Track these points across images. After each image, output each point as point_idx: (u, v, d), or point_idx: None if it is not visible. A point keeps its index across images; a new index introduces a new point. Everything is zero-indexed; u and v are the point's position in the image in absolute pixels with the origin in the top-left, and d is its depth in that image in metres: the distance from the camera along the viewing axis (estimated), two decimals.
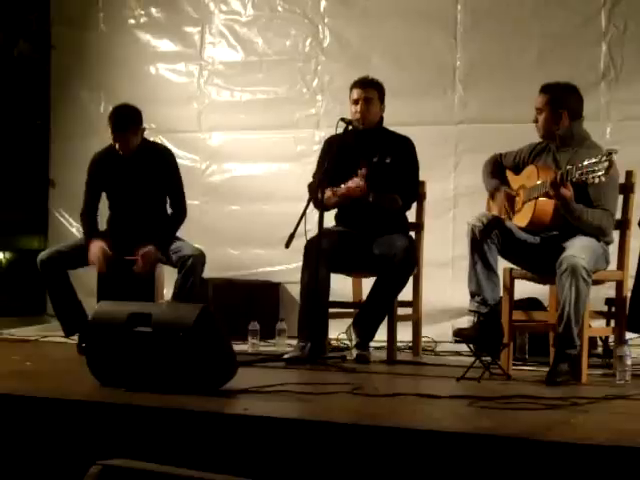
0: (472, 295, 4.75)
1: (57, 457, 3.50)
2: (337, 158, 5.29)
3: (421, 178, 5.54)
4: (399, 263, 5.20)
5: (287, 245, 4.97)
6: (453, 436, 3.09)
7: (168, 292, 5.65)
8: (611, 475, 2.81)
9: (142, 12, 7.61)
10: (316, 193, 5.16)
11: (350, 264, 5.43)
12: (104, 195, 5.78)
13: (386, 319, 5.32)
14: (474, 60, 6.66)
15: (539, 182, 4.70)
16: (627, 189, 4.94)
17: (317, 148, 5.83)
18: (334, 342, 5.82)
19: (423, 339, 5.76)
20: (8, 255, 8.17)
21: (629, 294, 4.93)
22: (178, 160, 5.90)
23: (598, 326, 5.19)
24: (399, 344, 5.54)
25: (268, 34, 7.24)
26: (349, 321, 5.44)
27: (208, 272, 5.61)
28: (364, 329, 5.27)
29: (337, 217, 5.56)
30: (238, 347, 4.67)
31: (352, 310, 5.53)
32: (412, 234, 5.56)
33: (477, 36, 6.65)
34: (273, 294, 6.86)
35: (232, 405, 3.73)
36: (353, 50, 6.98)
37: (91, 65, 7.70)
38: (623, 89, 6.30)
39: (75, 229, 7.34)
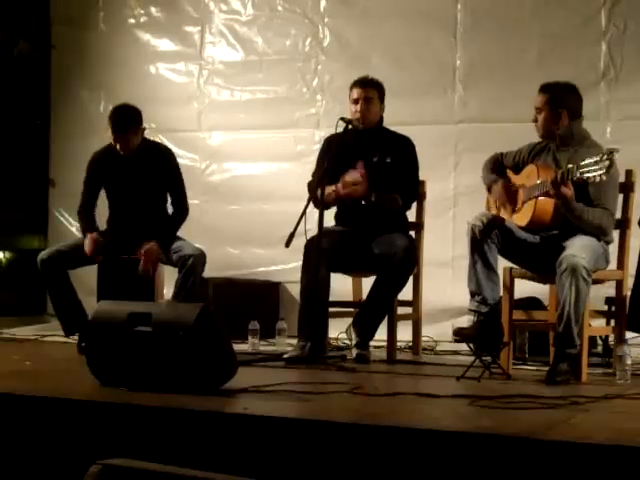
0: (472, 294, 4.75)
1: (57, 457, 3.50)
2: (337, 157, 5.28)
3: (421, 177, 5.54)
4: (399, 262, 5.20)
5: (287, 244, 4.97)
6: (453, 435, 3.09)
7: (168, 292, 5.65)
8: (611, 474, 2.81)
9: (142, 12, 7.61)
10: (316, 192, 5.16)
11: (350, 263, 5.43)
12: (104, 195, 5.78)
13: (386, 318, 5.32)
14: (474, 60, 6.67)
15: (539, 181, 4.70)
16: (627, 188, 4.94)
17: (317, 148, 5.83)
18: (334, 342, 5.83)
19: (423, 338, 5.76)
20: (8, 255, 8.17)
21: (629, 293, 4.93)
22: (178, 159, 5.90)
23: (598, 325, 5.19)
24: (399, 343, 5.54)
25: (268, 34, 7.24)
26: (349, 320, 5.44)
27: (208, 271, 5.61)
28: (364, 328, 5.27)
29: (337, 217, 5.56)
30: (238, 346, 4.67)
31: (352, 310, 5.53)
32: (412, 233, 5.56)
33: (477, 36, 6.65)
34: (273, 293, 6.86)
35: (232, 404, 3.73)
36: (353, 50, 6.98)
37: (91, 65, 7.70)
38: (623, 88, 6.30)
39: (75, 229, 7.34)
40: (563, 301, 4.45)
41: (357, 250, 5.37)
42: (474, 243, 4.71)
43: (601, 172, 4.34)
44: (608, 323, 5.13)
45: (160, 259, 5.50)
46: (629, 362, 4.47)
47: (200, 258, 5.41)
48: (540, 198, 4.68)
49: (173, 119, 7.37)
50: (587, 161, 4.42)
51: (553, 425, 3.31)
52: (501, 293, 4.81)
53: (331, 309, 5.38)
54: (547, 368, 4.59)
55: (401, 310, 5.47)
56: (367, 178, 5.30)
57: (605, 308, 5.21)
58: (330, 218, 5.44)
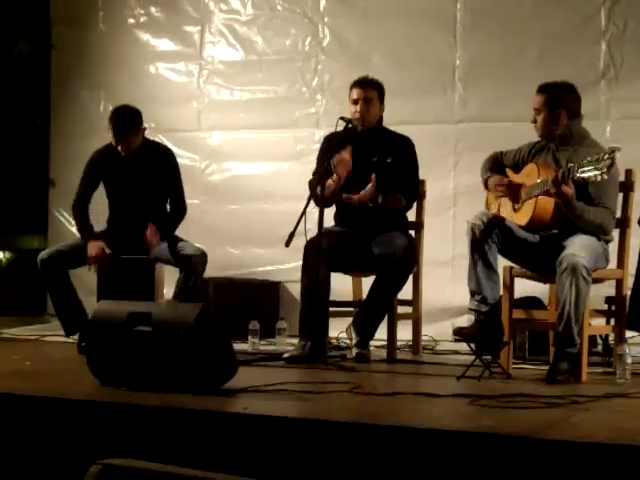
0: (472, 294, 4.75)
1: (57, 456, 3.50)
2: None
3: (421, 177, 5.54)
4: (398, 262, 5.20)
5: (287, 244, 4.97)
6: (453, 435, 3.09)
7: (169, 291, 5.65)
8: (611, 473, 2.81)
9: (142, 11, 7.61)
10: (317, 190, 5.16)
11: (350, 263, 5.43)
12: (104, 195, 5.78)
13: (386, 318, 5.32)
14: (474, 59, 6.67)
15: (539, 180, 4.70)
16: (627, 187, 4.94)
17: (317, 147, 5.83)
18: (334, 341, 5.83)
19: (423, 338, 5.76)
20: (8, 255, 8.17)
21: (629, 292, 4.93)
22: (178, 159, 5.91)
23: (598, 324, 5.19)
24: (399, 343, 5.54)
25: (268, 33, 7.24)
26: (349, 320, 5.45)
27: (208, 271, 5.61)
28: (364, 328, 5.27)
29: (336, 217, 5.55)
30: (238, 346, 4.67)
31: (352, 309, 5.54)
32: (412, 233, 5.56)
33: (477, 35, 6.66)
34: (273, 293, 6.86)
35: (232, 404, 3.73)
36: (353, 49, 6.98)
37: (91, 65, 7.71)
38: (623, 87, 6.30)
39: (75, 228, 7.33)
40: (563, 300, 4.45)
41: (357, 250, 5.37)
42: (474, 242, 4.71)
43: (602, 171, 4.34)
44: (608, 322, 5.13)
45: (161, 259, 5.50)
46: (629, 361, 4.47)
47: (201, 258, 5.41)
48: (540, 197, 4.68)
49: (173, 119, 7.37)
50: (588, 160, 4.42)
51: (553, 424, 3.31)
52: (501, 292, 4.81)
53: (331, 309, 5.38)
54: (547, 367, 4.59)
55: (401, 309, 5.47)
56: (375, 181, 5.26)
57: (605, 307, 5.21)
58: (330, 218, 5.44)
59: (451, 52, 6.71)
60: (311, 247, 5.13)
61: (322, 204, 5.11)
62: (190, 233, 5.76)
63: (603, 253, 4.72)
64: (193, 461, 3.23)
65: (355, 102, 5.41)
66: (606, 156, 4.34)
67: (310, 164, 5.72)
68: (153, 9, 7.58)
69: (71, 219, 7.39)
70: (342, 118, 5.32)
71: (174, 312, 4.14)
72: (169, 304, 5.22)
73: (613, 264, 4.87)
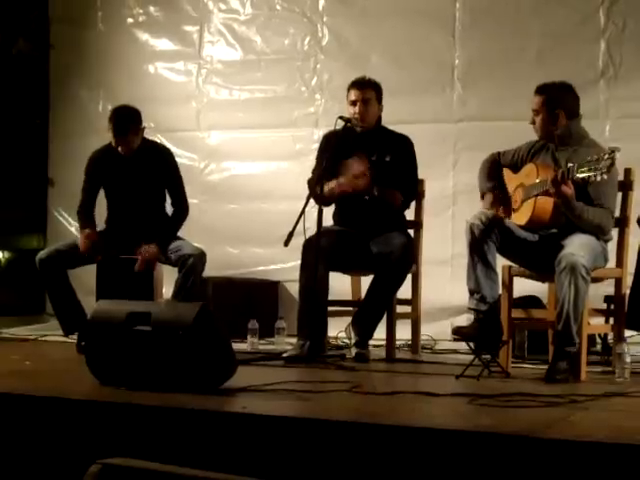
0: (471, 293, 4.75)
1: (57, 456, 3.50)
2: (335, 157, 5.29)
3: (420, 176, 5.54)
4: (396, 261, 5.20)
5: (286, 243, 4.97)
6: (452, 434, 3.09)
7: (167, 291, 5.65)
8: (610, 472, 2.81)
9: (141, 11, 7.61)
10: (316, 189, 5.16)
11: (348, 263, 5.43)
12: (103, 194, 5.78)
13: (385, 317, 5.32)
14: (473, 58, 6.66)
15: (538, 180, 4.70)
16: (626, 187, 4.94)
17: (316, 147, 5.82)
18: (333, 341, 5.83)
19: (422, 337, 5.76)
20: (7, 254, 8.17)
21: (628, 291, 4.94)
22: (177, 159, 5.91)
23: (597, 324, 5.18)
24: (398, 342, 5.53)
25: (267, 33, 7.24)
26: (348, 319, 5.44)
27: (207, 271, 5.61)
28: (363, 327, 5.27)
29: (335, 216, 5.55)
30: (237, 346, 4.67)
31: (351, 309, 5.54)
32: (411, 232, 5.56)
33: (476, 34, 6.65)
34: (272, 292, 6.86)
35: (231, 403, 3.73)
36: (352, 49, 6.97)
37: (90, 64, 7.70)
38: (622, 87, 6.30)
39: (74, 228, 7.33)
40: (562, 299, 4.45)
41: (355, 249, 5.37)
42: (473, 242, 4.71)
43: (602, 171, 4.34)
44: (607, 321, 5.13)
45: (158, 259, 5.50)
46: (628, 360, 4.47)
47: (200, 258, 5.41)
48: (539, 197, 4.68)
49: (172, 118, 7.37)
50: (588, 160, 4.42)
51: (552, 423, 3.32)
52: (500, 291, 4.81)
53: (330, 308, 5.38)
54: (546, 366, 4.59)
55: (400, 309, 5.47)
56: (370, 172, 5.28)
57: (604, 306, 5.21)
58: (329, 218, 5.44)
59: (450, 51, 6.71)
60: (310, 245, 5.13)
61: (320, 204, 5.11)
62: (189, 233, 5.76)
63: (602, 252, 4.72)
64: (193, 460, 3.23)
65: (353, 103, 5.41)
66: (606, 156, 4.34)
67: (309, 163, 5.72)
68: (152, 8, 7.57)
69: (71, 218, 7.41)
70: (341, 117, 5.32)
71: (173, 312, 4.14)
72: (168, 304, 5.22)
73: (612, 263, 4.87)
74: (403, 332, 5.59)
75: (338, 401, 3.81)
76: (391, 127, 5.55)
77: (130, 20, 7.63)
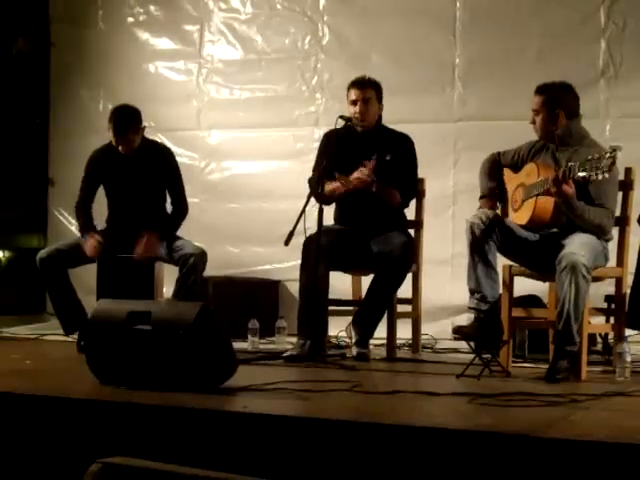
0: (472, 292, 4.75)
1: (57, 455, 3.50)
2: (336, 155, 5.28)
3: (420, 176, 5.54)
4: (395, 260, 5.20)
5: (287, 243, 4.97)
6: (453, 433, 3.09)
7: (168, 290, 5.65)
8: (611, 472, 2.81)
9: (141, 10, 7.60)
10: (317, 188, 5.16)
11: (349, 262, 5.43)
12: (103, 194, 5.78)
13: (386, 316, 5.32)
14: (473, 57, 6.66)
15: (539, 179, 4.70)
16: (626, 186, 4.94)
17: (316, 146, 5.82)
18: (334, 340, 5.83)
19: (423, 336, 5.76)
20: (8, 254, 8.17)
21: (628, 291, 4.94)
22: (177, 158, 5.91)
23: (598, 323, 5.19)
24: (399, 342, 5.53)
25: (267, 32, 7.24)
26: (349, 319, 5.44)
27: (208, 270, 5.61)
28: (363, 327, 5.27)
29: (336, 216, 5.55)
30: (238, 345, 4.67)
31: (352, 308, 5.53)
32: (411, 232, 5.56)
33: (476, 34, 6.65)
34: (273, 292, 6.86)
35: (232, 403, 3.73)
36: (352, 48, 6.97)
37: (90, 63, 7.70)
38: (622, 86, 6.29)
39: (74, 227, 7.31)
40: (563, 299, 4.45)
41: (356, 248, 5.36)
42: (473, 241, 4.70)
43: (603, 170, 4.34)
44: (608, 321, 5.13)
45: (160, 256, 5.50)
46: (629, 359, 4.47)
47: (201, 257, 5.41)
48: (540, 197, 4.68)
49: (172, 118, 7.37)
50: (589, 159, 4.42)
51: (553, 423, 3.32)
52: (500, 291, 4.81)
53: (331, 307, 5.38)
54: (547, 366, 4.59)
55: (401, 308, 5.47)
56: (373, 171, 5.28)
57: (605, 306, 5.21)
58: (329, 217, 5.44)
59: (450, 51, 6.70)
60: (310, 243, 5.12)
61: (321, 202, 5.11)
62: (190, 232, 5.77)
63: (602, 251, 4.72)
64: (193, 460, 3.23)
65: (354, 103, 5.40)
66: (607, 155, 4.34)
67: (309, 163, 5.71)
68: (152, 8, 7.57)
69: (71, 218, 7.41)
70: (342, 117, 5.32)
71: (174, 311, 4.14)
72: (169, 303, 5.22)
73: (613, 262, 4.87)
74: (404, 331, 5.59)
75: (339, 400, 3.81)
76: (391, 126, 5.55)
77: (130, 19, 7.63)
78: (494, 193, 5.01)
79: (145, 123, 5.67)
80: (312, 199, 5.17)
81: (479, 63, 6.63)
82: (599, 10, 6.35)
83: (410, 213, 5.61)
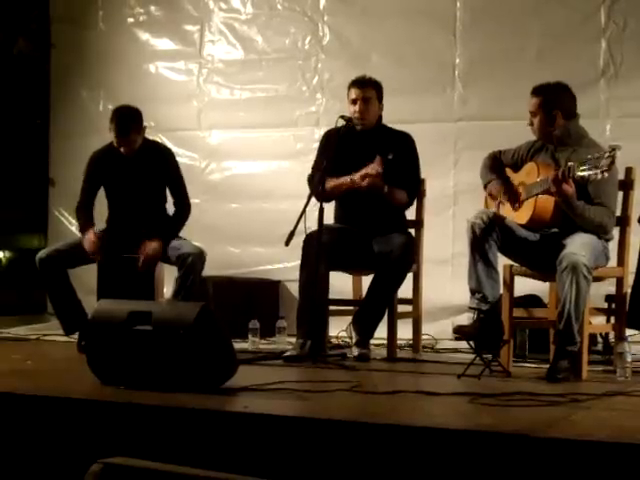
0: (472, 292, 4.75)
1: (58, 456, 3.50)
2: (336, 155, 5.28)
3: (421, 175, 5.54)
4: (396, 260, 5.19)
5: (287, 243, 4.97)
6: (454, 433, 3.09)
7: (168, 290, 5.65)
8: (611, 472, 2.81)
9: (141, 10, 7.60)
10: (317, 187, 5.16)
11: (349, 261, 5.43)
12: (103, 194, 5.78)
13: (386, 316, 5.32)
14: (473, 57, 6.66)
15: (539, 179, 4.70)
16: (627, 186, 4.94)
17: (316, 146, 5.83)
18: (334, 340, 5.83)
19: (423, 336, 5.76)
20: (8, 254, 8.17)
21: (629, 291, 4.93)
22: (178, 158, 5.91)
23: (598, 323, 5.19)
24: (399, 342, 5.53)
25: (268, 32, 7.24)
26: (349, 319, 5.44)
27: (208, 270, 5.61)
28: (364, 327, 5.27)
29: (337, 215, 5.55)
30: (238, 345, 4.68)
31: (352, 308, 5.53)
32: (412, 231, 5.56)
33: (476, 34, 6.65)
34: (273, 292, 6.86)
35: (232, 403, 3.73)
36: (353, 48, 6.97)
37: (91, 63, 7.70)
38: (622, 86, 6.29)
39: (75, 228, 7.31)
40: (563, 299, 4.45)
41: (356, 248, 5.36)
42: (474, 241, 4.70)
43: (602, 169, 4.34)
44: (608, 320, 5.13)
45: (161, 258, 5.50)
46: (629, 359, 4.47)
47: (199, 256, 5.41)
48: (540, 196, 4.68)
49: (173, 118, 7.37)
50: (588, 158, 4.42)
51: (553, 422, 3.32)
52: (501, 291, 4.81)
53: (331, 307, 5.38)
54: (547, 365, 4.59)
55: (401, 308, 5.47)
56: (381, 162, 5.28)
57: (605, 305, 5.21)
58: (330, 217, 5.44)
59: (451, 51, 6.70)
60: (310, 240, 5.12)
61: (322, 199, 5.10)
62: (190, 232, 5.76)
63: (603, 251, 4.72)
64: (193, 460, 3.23)
65: (354, 102, 5.40)
66: (606, 154, 4.34)
67: (310, 163, 5.71)
68: (153, 8, 7.57)
69: (71, 218, 7.41)
70: (342, 117, 5.32)
71: (174, 311, 4.14)
72: (169, 303, 5.22)
73: (613, 262, 4.87)
74: (404, 331, 5.59)
75: (339, 400, 3.81)
76: (391, 126, 5.55)
77: (131, 20, 7.63)
78: (499, 177, 4.98)
79: (146, 123, 5.67)
80: (312, 199, 5.17)
81: (479, 63, 6.63)
82: (599, 10, 6.35)
83: (410, 213, 5.61)
